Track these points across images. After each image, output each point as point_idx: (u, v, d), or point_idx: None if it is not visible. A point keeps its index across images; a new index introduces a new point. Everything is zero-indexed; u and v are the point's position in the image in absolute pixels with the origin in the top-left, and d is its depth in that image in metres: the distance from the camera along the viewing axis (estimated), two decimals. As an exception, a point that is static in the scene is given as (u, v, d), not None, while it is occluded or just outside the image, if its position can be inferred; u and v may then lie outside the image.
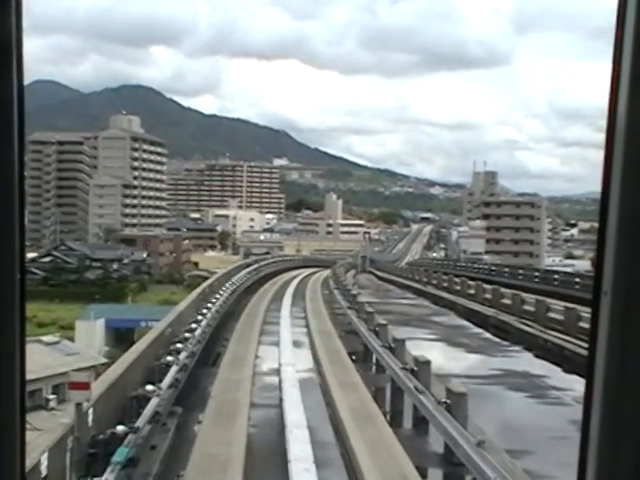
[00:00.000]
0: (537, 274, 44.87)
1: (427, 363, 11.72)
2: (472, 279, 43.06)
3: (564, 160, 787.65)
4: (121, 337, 74.30)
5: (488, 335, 27.25)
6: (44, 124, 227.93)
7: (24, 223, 1.62)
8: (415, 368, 11.72)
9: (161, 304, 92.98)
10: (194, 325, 16.02)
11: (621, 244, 1.55)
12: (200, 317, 17.74)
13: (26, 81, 1.61)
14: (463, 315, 33.26)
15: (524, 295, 30.94)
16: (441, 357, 20.84)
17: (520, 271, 49.57)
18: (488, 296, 35.31)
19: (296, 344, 21.23)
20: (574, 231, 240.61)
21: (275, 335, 22.88)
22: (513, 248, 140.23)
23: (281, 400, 12.49)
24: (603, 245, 1.58)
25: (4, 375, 1.62)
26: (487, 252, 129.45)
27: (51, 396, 49.52)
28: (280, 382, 13.83)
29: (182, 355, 12.53)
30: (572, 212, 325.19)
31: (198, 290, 24.12)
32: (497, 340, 25.96)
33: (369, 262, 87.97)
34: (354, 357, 18.91)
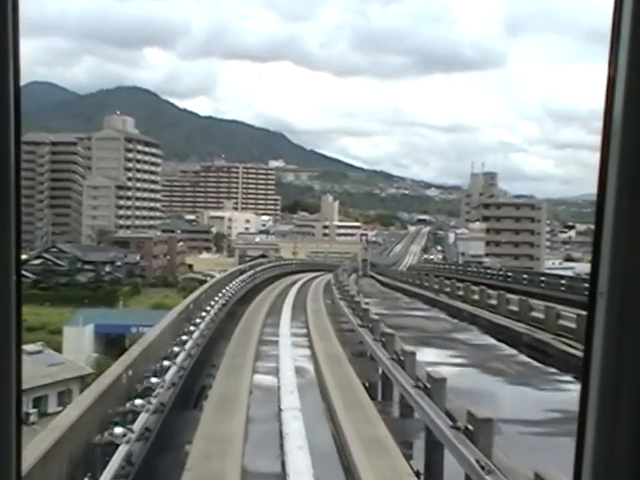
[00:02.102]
0: (563, 282, 40.33)
1: (488, 422, 8.31)
2: (490, 287, 39.00)
3: (559, 162, 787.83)
4: (111, 343, 71.73)
5: (525, 358, 23.10)
6: (40, 125, 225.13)
7: (20, 224, 1.62)
8: (470, 427, 8.39)
9: (153, 308, 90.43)
10: (166, 363, 12.22)
11: (617, 245, 1.56)
12: (177, 348, 13.88)
13: (22, 82, 1.61)
14: (489, 331, 28.99)
15: (560, 308, 26.99)
16: (479, 393, 16.99)
17: (542, 278, 44.79)
18: (513, 308, 31.19)
19: (300, 373, 17.36)
20: (572, 233, 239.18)
21: (273, 360, 19.09)
22: (513, 251, 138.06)
23: (284, 469, 9.11)
24: (599, 246, 1.59)
25: None
26: (487, 255, 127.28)
27: (32, 410, 46.30)
28: (282, 438, 10.39)
29: (140, 422, 8.76)
30: (568, 214, 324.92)
31: (179, 308, 19.73)
32: (538, 365, 21.65)
33: (370, 266, 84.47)
34: (368, 385, 15.49)
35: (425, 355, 17.07)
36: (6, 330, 1.56)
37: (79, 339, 70.75)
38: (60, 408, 41.14)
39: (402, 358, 13.71)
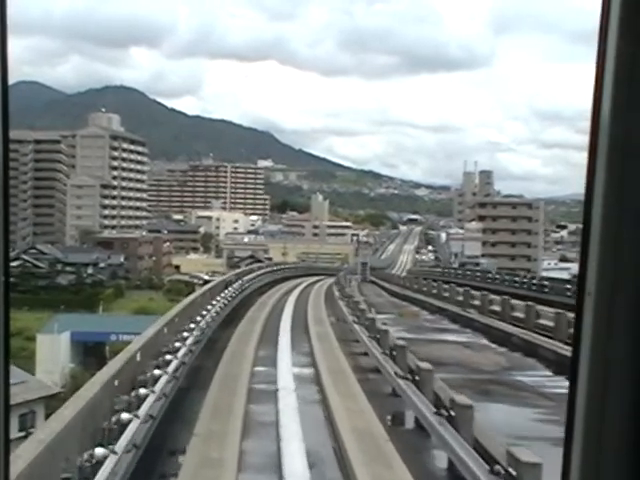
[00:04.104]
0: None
1: None
2: (524, 299, 31.74)
3: (546, 162, 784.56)
4: (89, 352, 67.28)
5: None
6: (27, 125, 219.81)
7: (8, 223, 1.61)
8: None
9: (137, 312, 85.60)
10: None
11: (605, 245, 1.58)
12: (101, 451, 7.33)
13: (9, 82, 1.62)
14: (562, 371, 19.60)
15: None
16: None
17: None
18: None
19: (316, 473, 10.34)
20: (564, 233, 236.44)
21: (271, 436, 12.11)
22: (510, 251, 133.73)
23: None
24: (587, 246, 1.61)
25: None
26: (483, 255, 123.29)
27: (-10, 435, 41.32)
28: None
29: None
30: (557, 214, 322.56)
31: (124, 357, 11.82)
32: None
33: (369, 270, 78.56)
34: None
35: (493, 417, 10.82)
36: None
37: (54, 348, 65.81)
38: (22, 433, 36.28)
39: (514, 472, 7.31)
